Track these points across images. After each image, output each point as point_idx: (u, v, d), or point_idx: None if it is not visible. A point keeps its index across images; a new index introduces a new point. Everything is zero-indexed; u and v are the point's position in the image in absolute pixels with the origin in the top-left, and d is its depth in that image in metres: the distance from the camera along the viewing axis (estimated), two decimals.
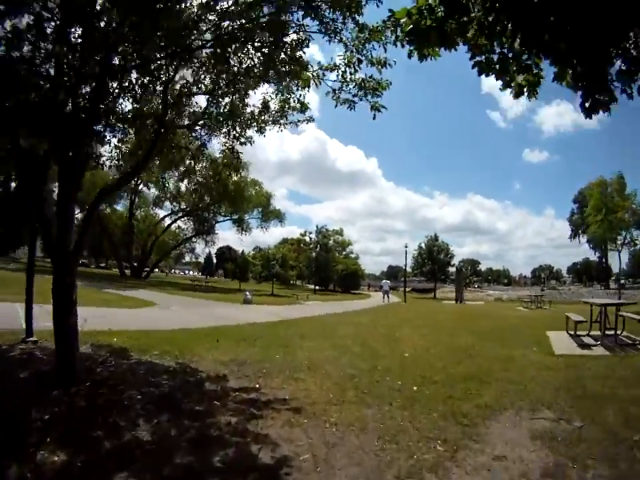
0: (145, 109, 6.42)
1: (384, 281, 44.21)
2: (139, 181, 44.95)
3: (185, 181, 47.12)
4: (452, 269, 52.03)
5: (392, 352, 8.52)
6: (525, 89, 3.75)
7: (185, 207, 48.80)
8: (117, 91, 5.42)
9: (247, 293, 22.73)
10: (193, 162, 8.30)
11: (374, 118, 4.80)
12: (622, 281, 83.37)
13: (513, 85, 3.75)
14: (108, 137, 6.22)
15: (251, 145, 7.33)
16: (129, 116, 6.27)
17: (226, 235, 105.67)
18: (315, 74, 4.98)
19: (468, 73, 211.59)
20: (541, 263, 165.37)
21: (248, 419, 4.33)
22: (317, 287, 60.11)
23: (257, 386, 5.59)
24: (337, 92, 4.94)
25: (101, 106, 5.19)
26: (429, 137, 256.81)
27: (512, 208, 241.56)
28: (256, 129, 7.34)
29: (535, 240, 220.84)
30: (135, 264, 47.59)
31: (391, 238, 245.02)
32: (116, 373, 5.69)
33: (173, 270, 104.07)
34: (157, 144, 5.95)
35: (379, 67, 4.93)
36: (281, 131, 7.44)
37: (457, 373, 6.77)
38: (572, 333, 10.70)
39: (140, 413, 4.38)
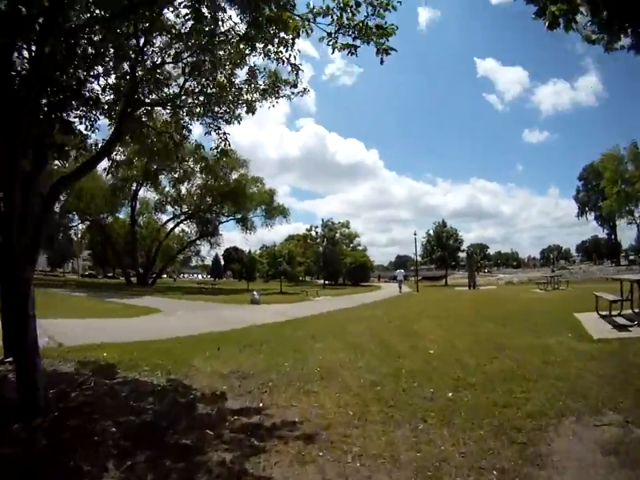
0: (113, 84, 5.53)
1: (398, 270, 42.68)
2: (138, 187, 44.32)
3: (185, 183, 46.61)
4: (462, 255, 50.90)
5: (413, 349, 7.58)
6: (561, 20, 3.59)
7: (187, 209, 48.02)
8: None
9: (255, 293, 21.87)
10: (175, 150, 7.31)
11: (381, 63, 3.84)
12: (631, 257, 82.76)
13: (547, 13, 3.59)
14: (74, 123, 5.30)
15: (239, 123, 6.44)
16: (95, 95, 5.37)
17: (232, 236, 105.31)
18: (304, 18, 4.01)
19: (462, 58, 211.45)
20: (547, 244, 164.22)
21: (247, 455, 3.41)
22: (326, 282, 59.24)
23: (261, 405, 4.70)
24: (333, 35, 3.95)
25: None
26: (428, 124, 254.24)
27: (515, 190, 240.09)
28: (245, 107, 6.48)
29: (540, 220, 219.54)
30: (141, 271, 46.84)
31: (396, 228, 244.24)
32: (94, 397, 4.81)
33: (181, 275, 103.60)
34: (124, 121, 5.05)
35: (381, 9, 3.95)
36: (273, 106, 6.59)
37: (494, 371, 5.84)
38: (603, 313, 9.85)
39: (112, 451, 3.49)
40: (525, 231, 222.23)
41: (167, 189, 47.30)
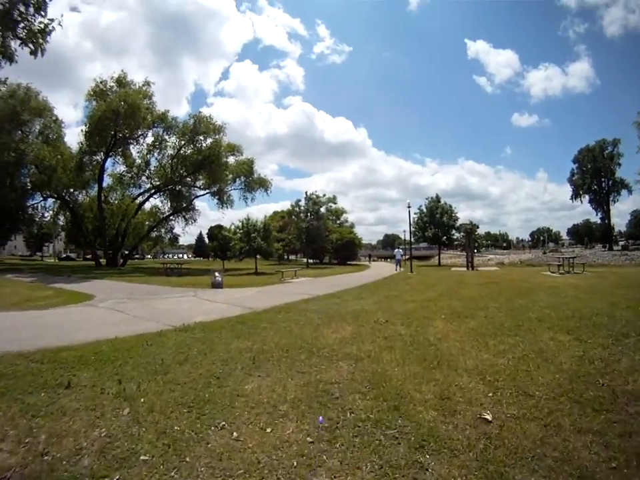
0: None
1: (396, 250, 39.78)
2: (105, 158, 39.50)
3: (156, 154, 41.97)
4: (456, 234, 47.05)
5: (448, 412, 3.55)
6: None
7: (158, 183, 43.34)
8: None
9: (217, 275, 17.70)
10: None
11: None
12: (622, 242, 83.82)
13: None
14: None
15: None
16: None
17: (219, 214, 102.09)
18: None
19: (453, 39, 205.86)
20: (535, 226, 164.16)
21: None
22: (311, 261, 55.08)
23: None
24: None
25: None
26: (417, 104, 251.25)
27: (504, 172, 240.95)
28: None
29: (529, 203, 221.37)
30: (110, 252, 42.26)
31: (384, 207, 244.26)
32: None
33: (166, 254, 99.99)
34: None
35: None
36: None
37: None
38: None
39: None
40: (513, 213, 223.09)
41: (137, 161, 42.82)
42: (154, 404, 3.77)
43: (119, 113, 33.76)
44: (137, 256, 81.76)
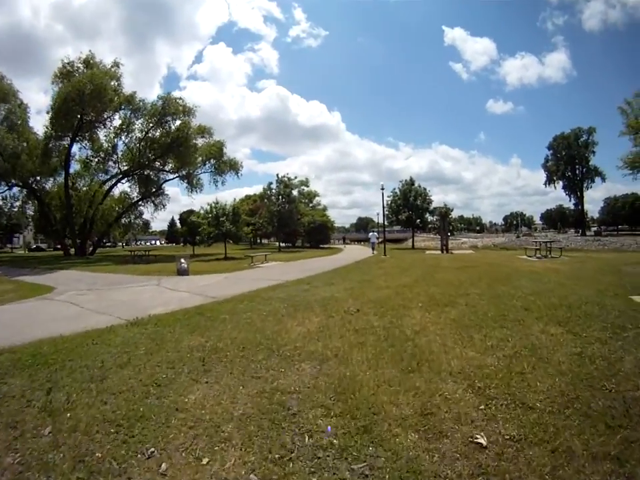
0: None
1: (371, 233, 39.46)
2: (71, 143, 37.36)
3: (123, 137, 40.01)
4: (430, 217, 46.66)
5: (433, 432, 2.86)
6: None
7: (126, 167, 41.41)
8: None
9: (182, 261, 16.72)
10: None
11: None
12: (594, 228, 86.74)
13: None
14: None
15: None
16: None
17: (190, 199, 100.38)
18: None
19: (430, 25, 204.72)
20: (509, 211, 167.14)
21: None
22: (283, 244, 54.01)
23: None
24: None
25: None
26: (392, 89, 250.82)
27: (477, 157, 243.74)
28: None
29: (502, 188, 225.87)
30: (79, 240, 40.24)
31: (357, 190, 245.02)
32: None
33: (138, 241, 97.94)
34: None
35: None
36: None
37: None
38: None
39: None
40: (486, 197, 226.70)
41: (105, 145, 40.76)
42: (79, 421, 3.13)
43: (84, 94, 31.83)
44: (108, 244, 79.42)
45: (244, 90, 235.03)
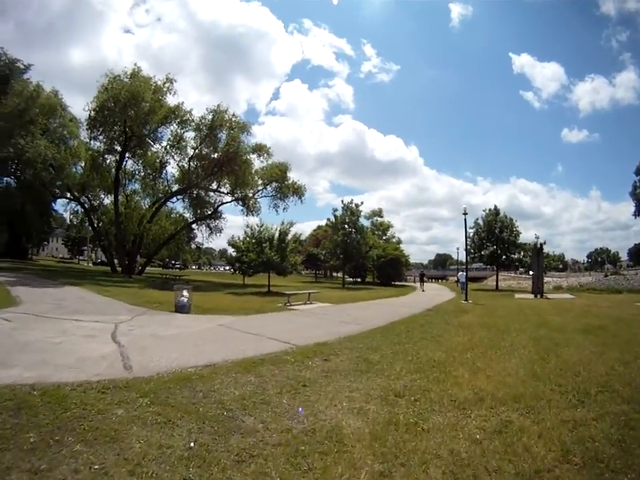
0: None
1: (460, 273, 33.41)
2: (120, 158, 35.44)
3: (174, 154, 37.56)
4: (516, 253, 39.63)
5: None
6: None
7: (179, 187, 38.98)
8: None
9: (184, 294, 12.10)
10: None
11: None
12: None
13: None
14: None
15: None
16: None
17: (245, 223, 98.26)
18: None
19: (497, 53, 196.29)
20: (589, 247, 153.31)
21: None
22: (350, 279, 48.24)
23: None
24: None
25: None
26: (466, 121, 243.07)
27: (556, 191, 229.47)
28: None
29: (582, 223, 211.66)
30: (127, 258, 37.75)
31: (436, 226, 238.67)
32: None
33: (212, 266, 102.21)
34: None
35: None
36: None
37: None
38: None
39: None
40: (567, 233, 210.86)
41: (156, 162, 38.58)
42: None
43: (119, 100, 29.80)
44: (177, 265, 78.30)
45: (321, 124, 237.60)
